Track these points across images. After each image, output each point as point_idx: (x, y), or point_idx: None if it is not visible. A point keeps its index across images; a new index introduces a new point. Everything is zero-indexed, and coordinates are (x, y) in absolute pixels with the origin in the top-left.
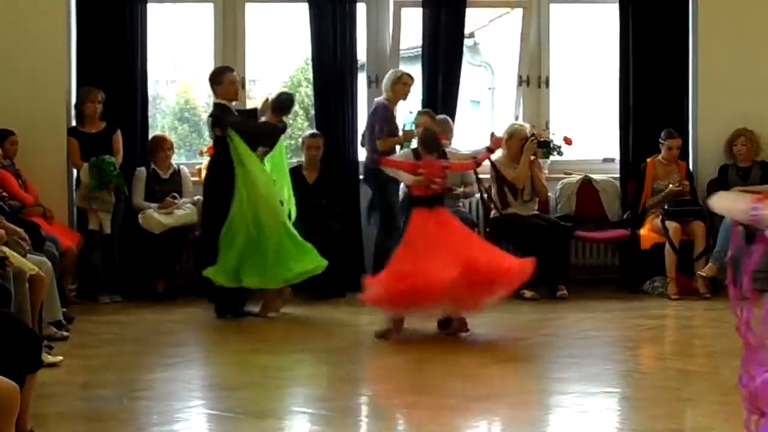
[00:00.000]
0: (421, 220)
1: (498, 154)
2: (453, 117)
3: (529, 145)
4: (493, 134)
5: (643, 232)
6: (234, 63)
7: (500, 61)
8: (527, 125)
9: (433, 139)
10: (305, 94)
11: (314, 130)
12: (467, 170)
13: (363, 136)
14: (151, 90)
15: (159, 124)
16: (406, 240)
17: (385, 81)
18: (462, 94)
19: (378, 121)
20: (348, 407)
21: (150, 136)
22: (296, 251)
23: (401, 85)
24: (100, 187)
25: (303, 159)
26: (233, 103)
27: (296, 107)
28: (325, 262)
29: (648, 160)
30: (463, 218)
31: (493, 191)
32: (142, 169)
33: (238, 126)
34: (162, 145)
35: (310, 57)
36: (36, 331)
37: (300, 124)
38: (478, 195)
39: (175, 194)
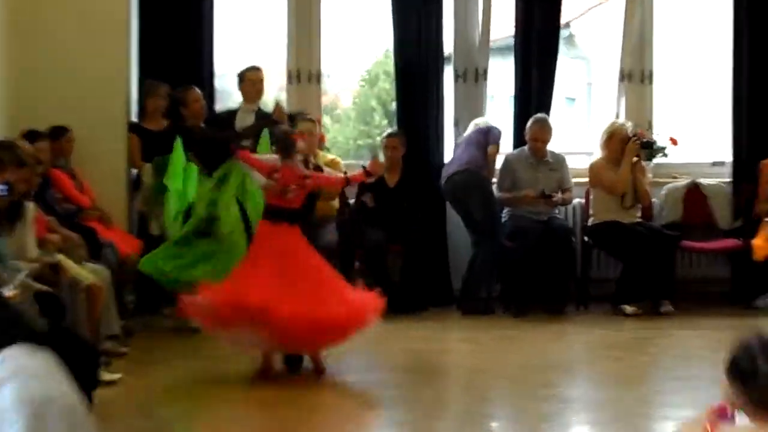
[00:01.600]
0: (262, 235)
1: (596, 156)
2: (547, 114)
3: (630, 146)
4: (374, 156)
5: (757, 241)
6: (309, 55)
7: (599, 53)
8: (629, 124)
9: (284, 141)
10: (383, 89)
11: (394, 129)
12: (332, 186)
13: (460, 144)
14: (218, 85)
15: None
16: (248, 254)
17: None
18: (557, 90)
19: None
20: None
21: None
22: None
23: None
24: (164, 189)
25: (382, 160)
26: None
27: (374, 103)
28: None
29: (763, 162)
30: (559, 225)
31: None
32: None
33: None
34: None
35: (391, 49)
36: (93, 346)
37: (378, 122)
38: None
39: None
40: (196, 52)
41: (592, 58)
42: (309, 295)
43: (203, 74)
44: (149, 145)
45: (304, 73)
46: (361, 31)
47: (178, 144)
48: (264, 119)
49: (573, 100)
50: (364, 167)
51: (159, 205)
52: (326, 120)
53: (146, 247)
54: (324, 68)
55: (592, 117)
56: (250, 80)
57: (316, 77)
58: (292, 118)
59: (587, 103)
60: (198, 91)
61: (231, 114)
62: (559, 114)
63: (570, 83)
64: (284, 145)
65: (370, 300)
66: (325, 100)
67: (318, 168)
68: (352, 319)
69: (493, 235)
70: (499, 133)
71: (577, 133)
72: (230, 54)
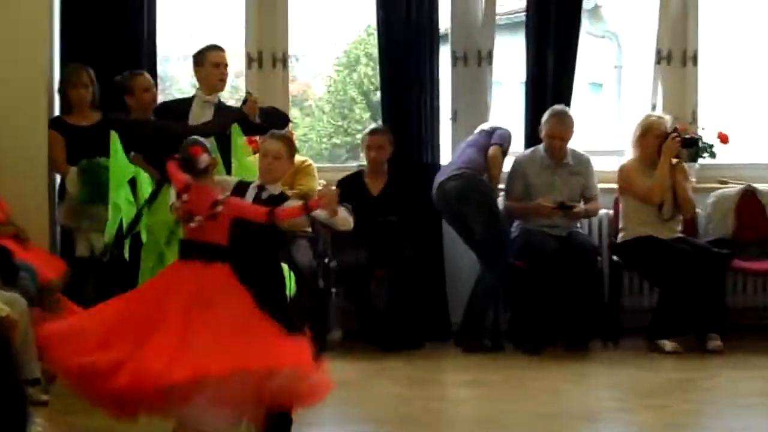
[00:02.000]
0: (169, 274)
1: (628, 157)
2: (567, 104)
3: (669, 143)
4: (325, 185)
5: None
6: (272, 34)
7: (630, 30)
8: (667, 117)
9: (182, 154)
10: (364, 74)
11: (378, 124)
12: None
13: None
14: (160, 70)
15: None
16: (130, 294)
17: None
18: (579, 75)
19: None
20: None
21: None
22: None
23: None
24: (92, 199)
25: (364, 163)
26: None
27: (354, 93)
28: None
29: None
30: (581, 242)
31: (621, 206)
32: None
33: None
34: None
35: (374, 25)
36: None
37: (359, 116)
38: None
39: None
40: (133, 30)
41: (622, 35)
42: (186, 356)
43: (142, 57)
44: (75, 145)
45: (267, 55)
46: (337, 3)
47: (116, 143)
48: (231, 113)
49: (599, 86)
50: (305, 201)
51: (87, 219)
52: (295, 113)
53: (73, 272)
54: (292, 49)
55: (623, 108)
56: (212, 62)
57: (281, 61)
58: (268, 116)
59: (617, 90)
60: (149, 77)
61: (184, 105)
62: (581, 104)
63: (595, 66)
64: (184, 162)
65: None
66: (294, 88)
67: (278, 197)
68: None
69: (497, 253)
70: (508, 134)
71: (605, 127)
72: (173, 33)
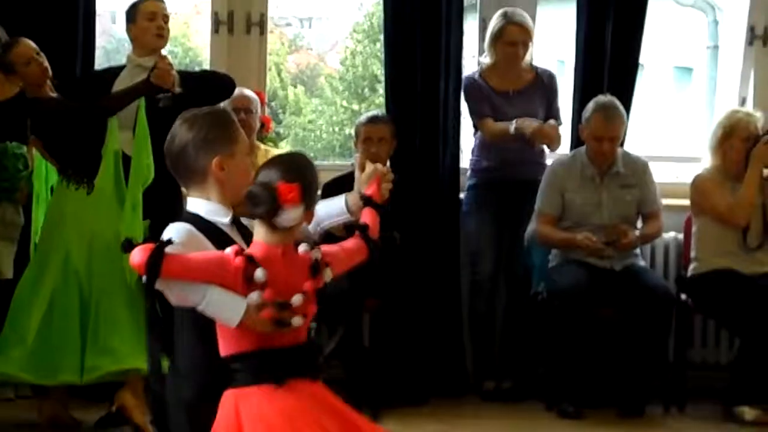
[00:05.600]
0: None
1: (705, 165)
2: (629, 99)
3: (760, 149)
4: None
5: None
6: None
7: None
8: (759, 115)
9: (266, 195)
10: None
11: (377, 112)
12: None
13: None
14: (103, 30)
15: None
16: None
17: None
18: (656, 57)
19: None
20: None
21: None
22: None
23: (502, 44)
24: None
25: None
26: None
27: (377, 68)
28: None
29: None
30: (649, 281)
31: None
32: None
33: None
34: None
35: None
36: None
37: (382, 99)
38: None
39: None
40: None
41: (721, 4)
42: None
43: (77, 15)
44: None
45: (240, 16)
46: None
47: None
48: (135, 85)
49: (689, 71)
50: (364, 196)
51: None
52: (298, 92)
53: None
54: (307, 10)
55: (716, 99)
56: (145, 15)
57: (258, 24)
58: (202, 81)
59: (711, 75)
60: (29, 44)
61: (110, 73)
62: (661, 96)
63: (683, 45)
64: (256, 201)
65: None
66: (303, 60)
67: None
68: None
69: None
70: None
71: (694, 125)
72: None
